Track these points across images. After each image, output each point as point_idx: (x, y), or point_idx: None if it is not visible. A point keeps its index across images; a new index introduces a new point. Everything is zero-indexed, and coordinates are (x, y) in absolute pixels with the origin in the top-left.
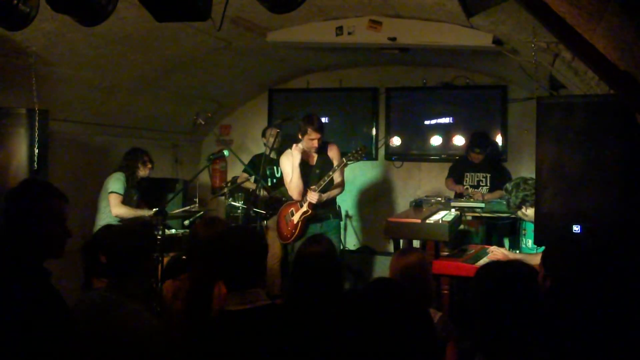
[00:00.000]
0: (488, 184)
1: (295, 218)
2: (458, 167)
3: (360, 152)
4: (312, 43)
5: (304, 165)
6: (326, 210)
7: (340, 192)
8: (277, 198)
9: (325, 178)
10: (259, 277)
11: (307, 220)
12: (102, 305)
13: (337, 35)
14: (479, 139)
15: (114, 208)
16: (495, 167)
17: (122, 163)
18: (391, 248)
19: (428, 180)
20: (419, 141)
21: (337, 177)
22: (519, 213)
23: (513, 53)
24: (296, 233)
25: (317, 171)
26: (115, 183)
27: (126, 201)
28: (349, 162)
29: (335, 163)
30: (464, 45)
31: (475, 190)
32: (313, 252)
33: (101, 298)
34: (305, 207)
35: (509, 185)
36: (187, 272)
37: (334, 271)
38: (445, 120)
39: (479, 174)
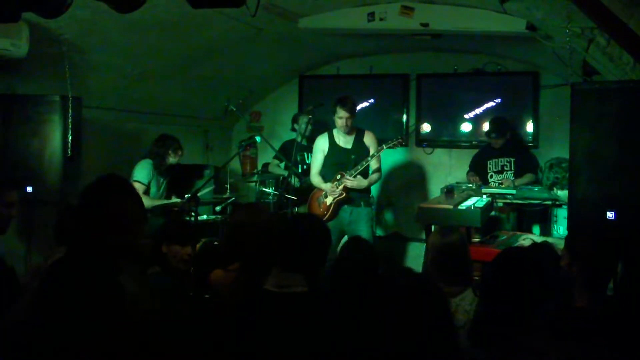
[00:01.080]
0: (512, 169)
1: (329, 200)
2: (481, 156)
3: (400, 140)
4: (344, 29)
5: (340, 150)
6: (359, 196)
7: (379, 179)
8: (309, 185)
9: (364, 163)
10: (298, 262)
11: (340, 203)
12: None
13: (368, 21)
14: (494, 125)
15: None
16: (519, 151)
17: (152, 149)
18: (422, 235)
19: (459, 166)
20: (450, 128)
21: (374, 164)
22: (552, 193)
23: (546, 39)
24: (328, 215)
25: (353, 156)
26: (140, 172)
27: (154, 188)
28: (387, 147)
29: (371, 150)
30: (497, 31)
31: (506, 179)
32: (354, 259)
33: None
34: (339, 190)
35: (544, 165)
36: (232, 261)
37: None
38: (477, 107)
39: (502, 159)
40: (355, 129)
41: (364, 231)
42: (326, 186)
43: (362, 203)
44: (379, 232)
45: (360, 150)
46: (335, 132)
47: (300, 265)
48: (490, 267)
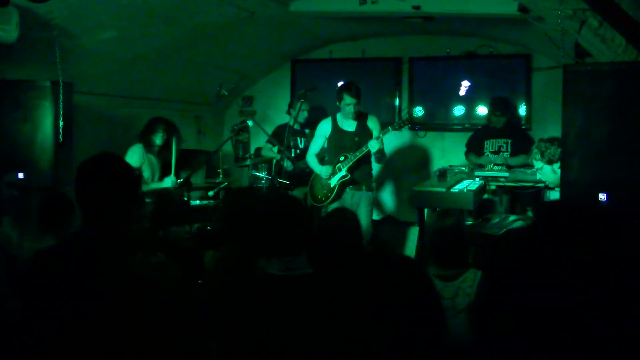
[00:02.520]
0: (509, 150)
1: (333, 181)
2: (477, 136)
3: (404, 122)
4: (336, 12)
5: (343, 133)
6: (362, 179)
7: (385, 159)
8: (302, 169)
9: (364, 148)
10: (301, 245)
11: (344, 185)
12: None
13: (360, 4)
14: (499, 103)
15: None
16: (516, 132)
17: (141, 133)
18: (415, 218)
19: (451, 149)
20: (442, 111)
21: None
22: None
23: (538, 21)
24: (332, 197)
25: (356, 139)
26: (131, 157)
27: (147, 172)
28: (392, 129)
29: (375, 133)
30: (489, 13)
31: (497, 155)
32: (336, 225)
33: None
34: (344, 171)
35: (542, 143)
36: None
37: (355, 243)
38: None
39: (499, 140)
40: (359, 113)
41: (363, 215)
42: (320, 170)
43: (364, 187)
44: (373, 217)
45: (363, 133)
46: (338, 116)
47: (297, 248)
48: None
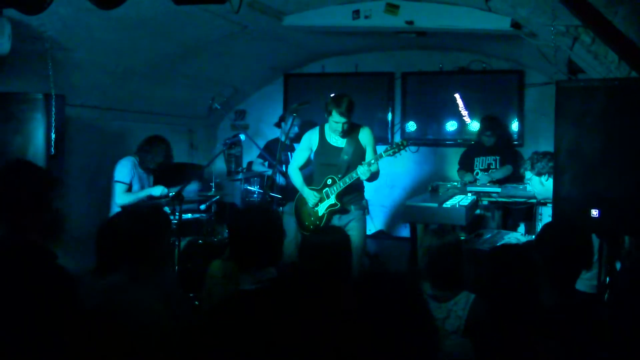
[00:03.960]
0: (498, 167)
1: (321, 210)
2: (469, 153)
3: (400, 146)
4: (329, 27)
5: (331, 148)
6: (351, 203)
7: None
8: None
9: (353, 175)
10: (272, 258)
11: (333, 213)
12: (110, 291)
13: (353, 19)
14: (488, 123)
15: (117, 198)
16: (505, 149)
17: (140, 147)
18: (406, 232)
19: (444, 165)
20: (435, 126)
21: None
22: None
23: (531, 37)
24: (321, 225)
25: (345, 157)
26: (120, 171)
27: (136, 186)
28: (386, 155)
29: (368, 149)
30: (482, 29)
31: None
32: (321, 243)
33: (110, 283)
34: (333, 199)
35: (534, 155)
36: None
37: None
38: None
39: (488, 157)
40: (350, 125)
41: (354, 232)
42: (307, 194)
43: (352, 208)
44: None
45: (354, 150)
46: (327, 127)
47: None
48: (486, 264)
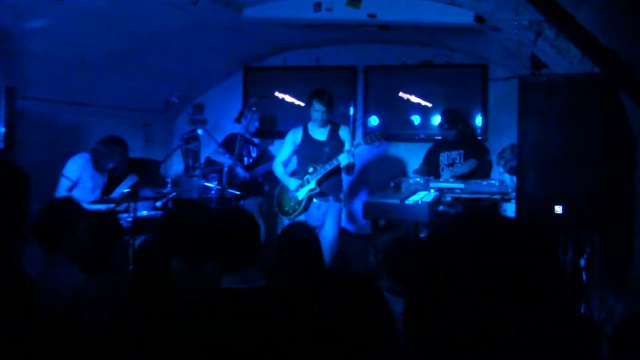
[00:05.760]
0: (462, 161)
1: (301, 194)
2: (434, 149)
3: (377, 136)
4: (290, 19)
5: (314, 142)
6: (330, 190)
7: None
8: (255, 179)
9: (334, 162)
10: (252, 257)
11: (312, 197)
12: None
13: (315, 11)
14: (446, 116)
15: (59, 193)
16: (469, 142)
17: (97, 147)
18: (368, 229)
19: (407, 160)
20: (398, 121)
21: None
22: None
23: (495, 31)
24: (299, 210)
25: (327, 149)
26: (70, 166)
27: (88, 184)
28: (365, 143)
29: (346, 144)
30: (445, 22)
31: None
32: (297, 238)
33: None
34: (313, 184)
35: (505, 149)
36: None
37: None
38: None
39: (453, 151)
40: (331, 122)
41: (329, 226)
42: (288, 182)
43: (331, 198)
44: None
45: (334, 144)
46: (310, 125)
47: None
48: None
